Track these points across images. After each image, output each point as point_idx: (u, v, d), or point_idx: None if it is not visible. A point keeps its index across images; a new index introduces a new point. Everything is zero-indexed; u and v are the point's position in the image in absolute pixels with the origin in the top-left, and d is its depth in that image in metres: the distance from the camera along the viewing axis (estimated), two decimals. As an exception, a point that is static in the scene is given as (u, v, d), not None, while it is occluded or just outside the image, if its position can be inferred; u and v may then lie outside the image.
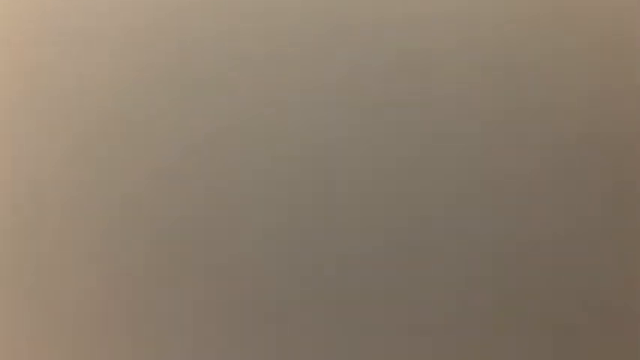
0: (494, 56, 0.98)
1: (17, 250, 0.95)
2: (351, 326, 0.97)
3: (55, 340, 0.95)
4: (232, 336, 0.96)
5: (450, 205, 0.97)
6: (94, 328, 0.95)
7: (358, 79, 0.97)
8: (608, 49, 0.99)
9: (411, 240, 0.97)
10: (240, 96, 0.96)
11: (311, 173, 0.96)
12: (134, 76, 0.96)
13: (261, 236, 0.96)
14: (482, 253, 0.97)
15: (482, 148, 0.98)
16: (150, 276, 0.95)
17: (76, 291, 0.95)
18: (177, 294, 0.95)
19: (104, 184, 0.95)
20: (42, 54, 0.96)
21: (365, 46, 0.97)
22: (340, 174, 0.97)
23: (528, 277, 0.98)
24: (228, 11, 0.96)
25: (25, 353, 0.95)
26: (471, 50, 0.98)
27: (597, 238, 0.98)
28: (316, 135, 0.96)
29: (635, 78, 0.99)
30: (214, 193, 0.96)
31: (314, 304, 0.96)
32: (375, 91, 0.97)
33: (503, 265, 0.98)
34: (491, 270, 0.97)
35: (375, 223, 0.97)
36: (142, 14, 0.96)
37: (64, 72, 0.95)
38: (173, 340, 0.95)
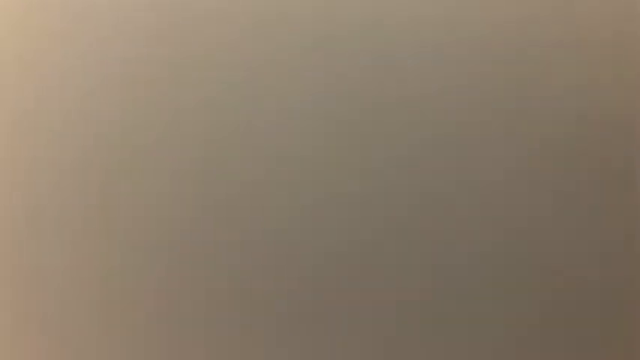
0: (492, 56, 0.98)
1: (19, 250, 0.95)
2: (358, 329, 0.97)
3: (63, 339, 0.95)
4: (240, 335, 0.96)
5: (449, 205, 0.97)
6: (98, 327, 0.95)
7: (357, 80, 0.97)
8: (608, 49, 1.00)
9: (411, 239, 0.97)
10: (240, 98, 0.97)
11: (313, 175, 0.96)
12: (139, 79, 0.96)
13: (266, 239, 0.96)
14: (481, 253, 0.98)
15: (481, 146, 0.98)
16: (155, 276, 0.96)
17: (82, 291, 0.95)
18: (186, 294, 0.96)
19: (112, 186, 0.96)
20: (50, 58, 0.96)
21: (362, 47, 0.97)
22: (342, 176, 0.97)
23: (528, 275, 0.98)
24: (227, 18, 0.97)
25: (29, 353, 0.95)
26: (470, 50, 0.98)
27: (597, 236, 0.99)
28: (317, 137, 0.97)
29: (635, 78, 0.99)
30: (219, 193, 0.96)
31: (316, 304, 0.97)
32: (374, 91, 0.97)
33: (503, 264, 0.98)
34: (491, 270, 0.98)
35: (375, 226, 0.97)
36: (149, 17, 0.96)
37: (71, 76, 0.96)
38: (182, 339, 0.96)
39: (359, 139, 0.97)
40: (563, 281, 0.98)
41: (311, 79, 0.97)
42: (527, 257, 0.98)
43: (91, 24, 0.96)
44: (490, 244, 0.97)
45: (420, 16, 0.98)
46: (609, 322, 0.98)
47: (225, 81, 0.96)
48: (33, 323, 0.95)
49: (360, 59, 0.97)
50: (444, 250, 0.97)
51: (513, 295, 0.98)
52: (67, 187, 0.95)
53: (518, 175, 0.98)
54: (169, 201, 0.96)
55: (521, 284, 0.98)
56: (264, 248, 0.96)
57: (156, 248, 0.95)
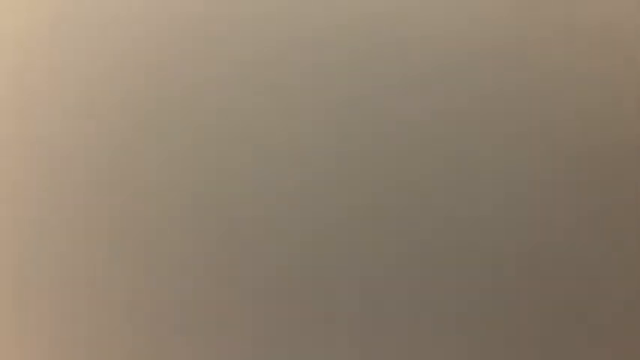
0: (495, 56, 0.99)
1: (19, 250, 0.95)
2: (355, 331, 0.97)
3: (63, 339, 0.95)
4: (236, 334, 0.96)
5: (449, 205, 0.98)
6: (98, 328, 0.96)
7: (357, 78, 0.97)
8: (609, 53, 1.00)
9: (412, 239, 0.97)
10: (239, 98, 0.97)
11: (312, 175, 0.97)
12: (143, 79, 0.96)
13: (266, 239, 0.96)
14: (481, 253, 0.98)
15: (481, 146, 0.98)
16: (155, 276, 0.96)
17: (81, 292, 0.95)
18: (181, 294, 0.96)
19: (113, 186, 0.96)
20: (50, 58, 0.96)
21: (363, 46, 0.98)
22: (341, 176, 0.97)
23: (528, 277, 0.98)
24: (229, 20, 0.97)
25: (29, 353, 0.95)
26: (470, 50, 0.98)
27: (596, 237, 0.99)
28: (317, 137, 0.97)
29: (635, 80, 1.00)
30: (218, 193, 0.96)
31: (317, 306, 0.97)
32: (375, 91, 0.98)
33: (503, 266, 0.98)
34: (492, 271, 0.98)
35: (376, 226, 0.97)
36: (152, 19, 0.97)
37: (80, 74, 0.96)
38: (178, 339, 0.96)
39: (359, 139, 0.97)
40: (563, 281, 0.98)
41: (311, 79, 0.97)
42: (527, 258, 0.98)
43: (91, 24, 0.96)
44: (490, 244, 0.98)
45: (419, 15, 0.98)
46: (609, 321, 0.98)
47: (225, 81, 0.96)
48: (33, 323, 0.95)
49: (359, 59, 0.97)
50: (443, 250, 0.97)
51: (512, 296, 0.98)
52: (68, 187, 0.95)
53: (518, 176, 0.98)
54: (169, 201, 0.96)
55: (520, 284, 0.98)
56: (264, 248, 0.96)
57: (156, 248, 0.96)
